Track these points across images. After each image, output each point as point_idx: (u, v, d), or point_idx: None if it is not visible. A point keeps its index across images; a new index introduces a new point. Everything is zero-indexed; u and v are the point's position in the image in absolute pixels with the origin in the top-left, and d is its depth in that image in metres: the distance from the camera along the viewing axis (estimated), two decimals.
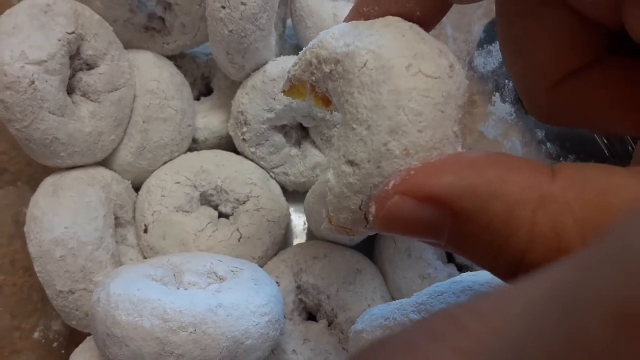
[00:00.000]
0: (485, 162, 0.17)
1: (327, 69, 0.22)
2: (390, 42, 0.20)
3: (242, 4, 0.35)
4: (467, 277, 0.31)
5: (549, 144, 0.46)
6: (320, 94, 0.24)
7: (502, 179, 0.16)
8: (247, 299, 0.32)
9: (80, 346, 0.37)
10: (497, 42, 0.47)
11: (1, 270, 0.42)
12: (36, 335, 0.39)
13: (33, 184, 0.38)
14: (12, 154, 0.45)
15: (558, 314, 0.08)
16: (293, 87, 0.26)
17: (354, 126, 0.20)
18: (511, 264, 0.16)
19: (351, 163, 0.20)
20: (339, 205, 0.21)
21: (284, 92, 0.27)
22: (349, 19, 0.23)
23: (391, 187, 0.18)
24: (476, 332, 0.11)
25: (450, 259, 0.41)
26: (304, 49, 0.24)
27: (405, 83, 0.19)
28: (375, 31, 0.21)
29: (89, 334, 0.37)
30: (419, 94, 0.19)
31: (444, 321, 0.11)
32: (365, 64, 0.20)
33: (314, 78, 0.23)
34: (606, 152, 0.44)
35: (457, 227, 0.17)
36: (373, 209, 0.19)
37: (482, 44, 0.48)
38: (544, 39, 0.20)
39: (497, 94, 0.47)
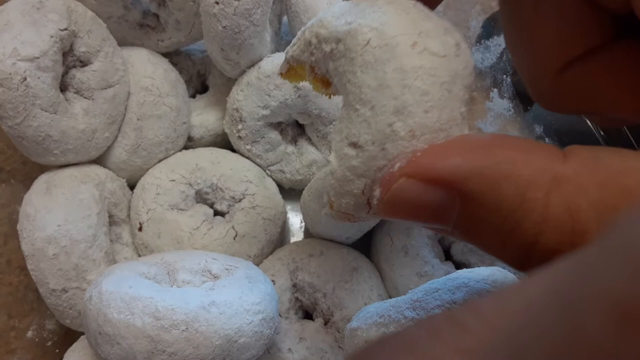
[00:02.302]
0: (495, 143, 0.16)
1: (327, 48, 0.21)
2: (394, 19, 0.19)
3: None
4: (463, 273, 0.31)
5: (547, 139, 0.45)
6: (320, 75, 0.23)
7: (512, 160, 0.15)
8: (241, 296, 0.31)
9: (74, 345, 0.36)
10: (495, 38, 0.47)
11: None
12: (29, 334, 0.39)
13: (28, 183, 0.38)
14: (7, 152, 0.45)
15: (558, 311, 0.08)
16: (291, 68, 0.25)
17: (357, 107, 0.19)
18: (521, 249, 0.16)
19: (354, 145, 0.19)
20: (340, 190, 0.20)
21: (281, 74, 0.26)
22: None
23: (396, 169, 0.18)
24: (476, 332, 0.11)
25: (447, 257, 0.41)
26: (302, 28, 0.23)
27: (410, 61, 0.18)
28: (378, 8, 0.20)
29: (83, 333, 0.36)
30: (425, 73, 0.18)
31: (445, 321, 0.11)
32: (368, 42, 0.19)
33: (313, 58, 0.23)
34: (603, 145, 0.43)
35: (465, 211, 0.16)
36: (377, 192, 0.19)
37: (480, 39, 0.48)
38: (550, 23, 0.20)
39: (495, 90, 0.46)
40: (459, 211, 0.16)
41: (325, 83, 0.24)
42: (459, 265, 0.41)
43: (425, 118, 0.18)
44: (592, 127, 0.43)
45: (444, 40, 0.19)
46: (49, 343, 0.39)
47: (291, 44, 0.24)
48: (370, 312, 0.31)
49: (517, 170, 0.15)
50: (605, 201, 0.14)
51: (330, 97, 0.26)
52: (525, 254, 0.16)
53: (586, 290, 0.08)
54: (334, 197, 0.21)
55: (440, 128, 0.18)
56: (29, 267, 0.35)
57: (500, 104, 0.46)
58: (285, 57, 0.25)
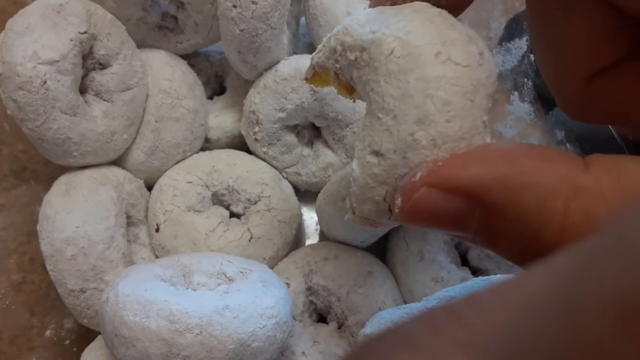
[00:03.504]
0: (516, 153, 0.16)
1: (351, 56, 0.21)
2: (418, 28, 0.19)
3: (253, 2, 0.35)
4: (479, 281, 0.31)
5: (568, 145, 0.44)
6: (344, 82, 0.24)
7: (533, 169, 0.16)
8: (255, 300, 0.32)
9: (92, 344, 0.37)
10: (516, 40, 0.46)
11: (20, 267, 0.42)
12: (48, 332, 0.40)
13: (50, 183, 0.39)
14: (31, 152, 0.46)
15: (557, 307, 0.08)
16: (315, 74, 0.26)
17: (380, 115, 0.19)
18: (542, 258, 0.16)
19: (376, 153, 0.20)
20: (362, 196, 0.21)
21: (306, 79, 0.27)
22: (374, 3, 0.23)
23: (418, 178, 0.18)
24: (475, 326, 0.11)
25: (464, 262, 0.41)
26: (328, 35, 0.23)
27: (433, 71, 0.18)
28: (403, 17, 0.20)
29: (100, 332, 0.37)
30: (448, 82, 0.18)
31: (444, 315, 0.11)
32: (392, 51, 0.19)
33: (337, 65, 0.23)
34: (627, 153, 0.42)
35: (486, 220, 0.16)
36: (399, 201, 0.19)
37: (501, 41, 0.47)
38: (578, 32, 0.20)
39: (516, 93, 0.45)
40: (479, 220, 0.17)
41: (350, 90, 0.24)
42: (475, 271, 0.40)
43: (447, 127, 0.18)
44: (615, 134, 0.42)
45: (467, 50, 0.19)
46: (67, 342, 0.40)
47: (316, 51, 0.24)
48: (384, 319, 0.31)
49: (537, 180, 0.15)
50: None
51: (354, 101, 0.26)
52: None
53: (585, 287, 0.08)
54: (355, 203, 0.21)
55: (462, 137, 0.19)
56: (48, 267, 0.35)
57: (521, 108, 0.45)
58: (311, 63, 0.25)
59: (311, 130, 0.44)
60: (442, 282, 0.38)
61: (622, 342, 0.07)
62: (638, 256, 0.07)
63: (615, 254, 0.08)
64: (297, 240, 0.43)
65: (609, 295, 0.07)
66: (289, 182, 0.44)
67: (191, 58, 0.46)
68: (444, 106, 0.18)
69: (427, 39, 0.19)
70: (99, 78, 0.39)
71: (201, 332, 0.29)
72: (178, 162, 0.43)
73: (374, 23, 0.21)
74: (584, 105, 0.21)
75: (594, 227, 0.15)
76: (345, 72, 0.23)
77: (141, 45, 0.42)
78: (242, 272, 0.35)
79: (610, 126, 0.37)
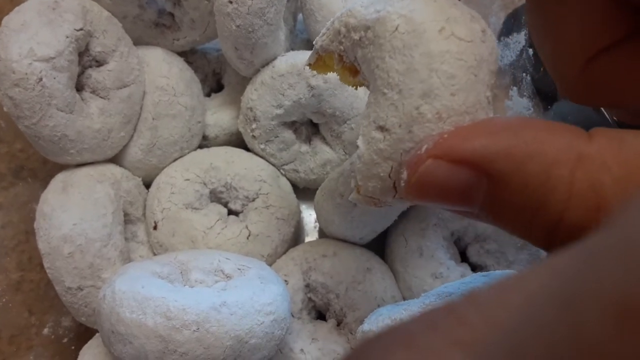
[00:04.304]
0: (520, 125, 0.17)
1: (356, 36, 0.22)
2: (422, 6, 0.20)
3: None
4: (478, 277, 0.31)
5: None
6: (348, 64, 0.24)
7: (537, 139, 0.16)
8: (252, 297, 0.31)
9: (89, 342, 0.37)
10: (514, 35, 0.46)
11: (19, 266, 0.42)
12: (46, 330, 0.40)
13: (48, 181, 0.39)
14: (29, 151, 0.46)
15: (558, 306, 0.08)
16: (319, 59, 0.26)
17: (385, 91, 0.20)
18: (546, 228, 0.16)
19: (381, 128, 0.20)
20: (367, 173, 0.21)
21: (309, 65, 0.27)
22: None
23: (424, 150, 0.18)
24: (475, 324, 0.11)
25: (463, 259, 0.40)
26: (331, 19, 0.24)
27: (437, 46, 0.19)
28: None
29: (98, 330, 0.37)
30: (452, 57, 0.19)
31: (443, 313, 0.11)
32: (396, 28, 0.20)
33: (342, 47, 0.23)
34: None
35: (492, 191, 0.17)
36: (404, 174, 0.19)
37: (499, 36, 0.47)
38: (576, 14, 0.20)
39: (515, 88, 0.45)
40: (485, 192, 0.17)
41: (353, 71, 0.25)
42: (474, 267, 0.40)
43: (452, 101, 0.19)
44: (613, 125, 0.41)
45: (470, 27, 0.20)
46: (65, 340, 0.40)
47: (320, 35, 0.25)
48: (383, 315, 0.31)
49: (542, 149, 0.16)
50: (628, 178, 0.15)
51: (356, 88, 0.27)
52: (550, 233, 0.16)
53: (586, 287, 0.08)
54: (360, 180, 0.22)
55: (466, 111, 0.19)
56: (46, 265, 0.35)
57: (520, 103, 0.45)
58: (314, 47, 0.26)
59: (309, 127, 0.43)
60: (441, 279, 0.38)
61: (623, 342, 0.07)
62: (639, 255, 0.07)
63: (617, 253, 0.08)
64: (295, 237, 0.43)
65: (610, 295, 0.07)
66: (287, 179, 0.44)
67: (188, 55, 0.45)
68: (449, 80, 0.19)
69: (431, 16, 0.19)
70: (95, 75, 0.39)
71: (198, 328, 0.29)
72: (176, 159, 0.43)
73: (377, 3, 0.21)
74: (584, 88, 0.21)
75: (599, 195, 0.15)
76: (349, 53, 0.23)
77: (138, 42, 0.42)
78: (239, 269, 0.35)
79: (608, 116, 0.36)
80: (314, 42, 0.26)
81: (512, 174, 0.16)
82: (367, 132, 0.21)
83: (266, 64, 0.40)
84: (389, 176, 0.20)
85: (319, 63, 0.26)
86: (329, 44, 0.24)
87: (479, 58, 0.19)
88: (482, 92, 0.19)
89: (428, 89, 0.19)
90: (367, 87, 0.23)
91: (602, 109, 0.35)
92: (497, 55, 0.20)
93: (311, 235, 0.46)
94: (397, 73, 0.19)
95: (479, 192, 0.17)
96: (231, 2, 0.35)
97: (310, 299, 0.39)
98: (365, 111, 0.21)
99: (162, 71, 0.41)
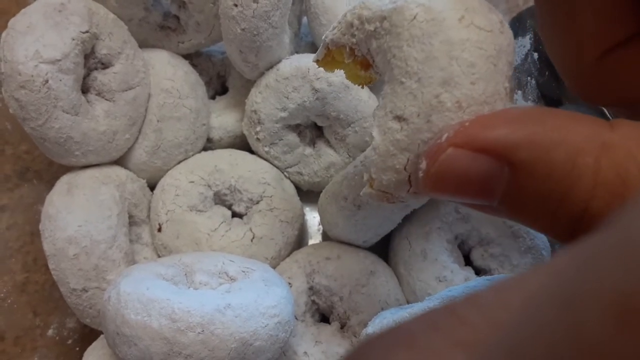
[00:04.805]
0: (543, 114, 0.17)
1: (370, 27, 0.22)
2: None
3: (254, 1, 0.35)
4: (482, 281, 0.31)
5: None
6: (359, 58, 0.24)
7: (562, 128, 0.16)
8: (257, 299, 0.31)
9: (94, 344, 0.37)
10: (519, 39, 0.46)
11: (24, 267, 0.42)
12: (50, 332, 0.40)
13: (54, 183, 0.39)
14: (35, 153, 0.46)
15: (558, 307, 0.08)
16: (328, 54, 0.26)
17: (403, 80, 0.20)
18: (571, 218, 0.16)
19: (399, 118, 0.20)
20: (382, 165, 0.21)
21: (317, 61, 0.27)
22: None
23: (444, 139, 0.18)
24: (476, 325, 0.11)
25: (467, 262, 0.40)
26: (343, 13, 0.24)
27: (458, 34, 0.19)
28: None
29: (103, 332, 0.37)
30: (472, 45, 0.19)
31: (444, 314, 0.11)
32: (415, 17, 0.20)
33: (354, 40, 0.23)
34: None
35: (515, 181, 0.16)
36: (423, 164, 0.19)
37: None
38: (588, 9, 0.20)
39: (519, 92, 0.45)
40: (507, 182, 0.17)
41: (365, 65, 0.24)
42: (478, 271, 0.40)
43: (472, 90, 0.19)
44: None
45: (489, 17, 0.20)
46: (70, 341, 0.40)
47: (330, 29, 0.25)
48: (386, 318, 0.31)
49: (567, 138, 0.16)
50: None
51: (362, 87, 0.26)
52: (575, 223, 0.16)
53: (586, 287, 0.08)
54: (375, 174, 0.21)
55: (486, 101, 0.19)
56: (51, 266, 0.35)
57: None
58: (324, 42, 0.26)
59: (313, 130, 0.43)
60: (445, 282, 0.38)
61: (623, 342, 0.07)
62: (639, 255, 0.07)
63: (617, 253, 0.08)
64: (299, 240, 0.43)
65: (610, 295, 0.07)
66: (291, 181, 0.44)
67: (193, 58, 0.46)
68: (469, 68, 0.19)
69: (450, 5, 0.19)
70: (101, 77, 0.39)
71: (203, 330, 0.29)
72: (180, 161, 0.43)
73: None
74: (594, 85, 0.21)
75: (625, 184, 0.15)
76: (362, 45, 0.23)
77: (143, 45, 0.42)
78: (244, 272, 0.35)
79: (612, 119, 0.36)
80: (323, 37, 0.25)
81: (536, 162, 0.16)
82: (383, 123, 0.20)
83: (271, 67, 0.40)
84: (405, 169, 0.20)
85: (328, 59, 0.26)
86: (340, 37, 0.24)
87: (497, 48, 0.19)
88: (501, 83, 0.19)
89: (448, 77, 0.19)
90: (381, 79, 0.23)
91: (606, 112, 0.35)
92: (514, 47, 0.20)
93: (315, 238, 0.46)
94: (415, 61, 0.19)
95: (499, 183, 0.17)
96: (236, 5, 0.35)
97: (313, 301, 0.39)
98: (380, 103, 0.21)
99: (167, 74, 0.41)
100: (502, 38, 0.19)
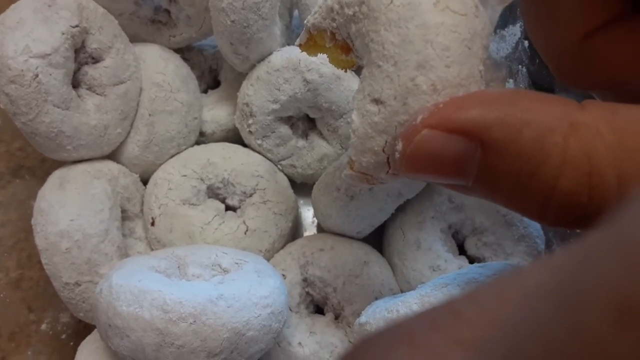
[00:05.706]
0: (514, 95, 0.17)
1: (349, 12, 0.22)
2: None
3: None
4: (474, 268, 0.31)
5: None
6: (340, 42, 0.24)
7: (532, 108, 0.16)
8: (249, 290, 0.31)
9: (88, 338, 0.37)
10: (510, 27, 0.46)
11: (19, 264, 0.42)
12: (44, 327, 0.40)
13: (47, 179, 0.39)
14: (28, 150, 0.46)
15: (557, 305, 0.08)
16: (310, 38, 0.26)
17: (380, 63, 0.20)
18: (541, 195, 0.16)
19: (376, 101, 0.20)
20: (361, 147, 0.21)
21: (300, 45, 0.28)
22: None
23: (419, 121, 0.18)
24: (475, 323, 0.11)
25: (461, 251, 0.40)
26: None
27: (433, 17, 0.19)
28: None
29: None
30: (447, 29, 0.19)
31: (444, 312, 0.11)
32: (392, 1, 0.20)
33: (334, 24, 0.24)
34: None
35: (487, 160, 0.17)
36: (399, 146, 0.19)
37: (495, 29, 0.47)
38: None
39: (511, 80, 0.45)
40: (480, 162, 0.17)
41: (345, 49, 0.25)
42: (472, 260, 0.40)
43: (447, 72, 0.19)
44: None
45: (464, 1, 0.20)
46: (63, 336, 0.40)
47: (311, 14, 0.25)
48: (379, 307, 0.31)
49: (537, 118, 0.16)
50: (620, 145, 0.15)
51: (346, 71, 0.27)
52: (544, 200, 0.16)
53: (585, 285, 0.08)
54: (354, 156, 0.22)
55: (460, 83, 0.19)
56: (43, 261, 0.35)
57: None
58: (305, 26, 0.26)
59: (305, 122, 0.43)
60: (439, 271, 0.38)
61: (622, 341, 0.07)
62: (638, 254, 0.07)
63: (616, 252, 0.08)
64: (293, 232, 0.43)
65: (608, 293, 0.07)
66: (285, 174, 0.44)
67: (185, 52, 0.46)
68: (444, 51, 0.19)
69: None
70: (91, 72, 0.39)
71: (195, 321, 0.29)
72: (173, 155, 0.43)
73: None
74: (577, 69, 0.21)
75: (592, 162, 0.15)
76: (342, 29, 0.23)
77: (134, 39, 0.42)
78: (237, 263, 0.35)
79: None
80: (304, 22, 0.26)
81: (507, 141, 0.16)
82: (361, 106, 0.21)
83: (262, 59, 0.40)
84: (383, 150, 0.20)
85: (310, 43, 0.27)
86: (320, 21, 0.24)
87: (472, 31, 0.19)
88: (476, 66, 0.20)
89: (423, 60, 0.19)
90: (361, 62, 0.23)
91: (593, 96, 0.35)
92: (489, 31, 0.21)
93: (309, 231, 0.46)
94: (392, 45, 0.20)
95: (473, 163, 0.17)
96: None
97: (308, 293, 0.39)
98: (359, 86, 0.21)
99: (159, 68, 0.41)
100: (476, 22, 0.20)
